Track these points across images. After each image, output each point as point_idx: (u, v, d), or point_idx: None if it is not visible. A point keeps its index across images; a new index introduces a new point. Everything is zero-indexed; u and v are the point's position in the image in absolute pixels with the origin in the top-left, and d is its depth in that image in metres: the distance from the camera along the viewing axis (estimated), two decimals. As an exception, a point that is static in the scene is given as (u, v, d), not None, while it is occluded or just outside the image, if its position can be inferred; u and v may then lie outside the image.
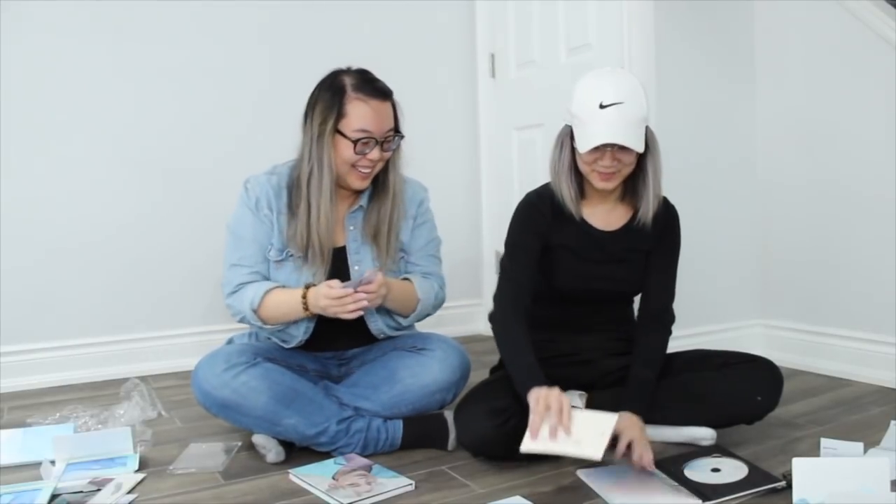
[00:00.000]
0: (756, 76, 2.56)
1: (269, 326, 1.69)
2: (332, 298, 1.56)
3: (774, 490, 1.39)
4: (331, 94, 1.66)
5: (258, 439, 1.62)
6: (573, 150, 1.61)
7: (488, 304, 3.11)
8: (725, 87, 2.52)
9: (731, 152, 2.54)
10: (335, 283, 1.58)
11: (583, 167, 1.60)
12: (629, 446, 1.42)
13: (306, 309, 1.62)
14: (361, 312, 1.60)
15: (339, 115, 1.64)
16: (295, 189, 1.70)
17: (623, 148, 1.53)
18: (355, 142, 1.64)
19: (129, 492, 1.48)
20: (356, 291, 1.56)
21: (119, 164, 2.54)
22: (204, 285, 2.66)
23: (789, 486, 1.29)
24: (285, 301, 1.65)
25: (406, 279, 1.78)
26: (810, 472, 1.26)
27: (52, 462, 1.58)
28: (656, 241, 1.69)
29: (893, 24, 2.13)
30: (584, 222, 1.67)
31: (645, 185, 1.62)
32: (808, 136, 2.41)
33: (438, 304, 1.84)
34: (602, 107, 1.51)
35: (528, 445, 1.39)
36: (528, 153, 2.91)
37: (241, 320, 1.71)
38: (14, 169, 2.40)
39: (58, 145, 2.46)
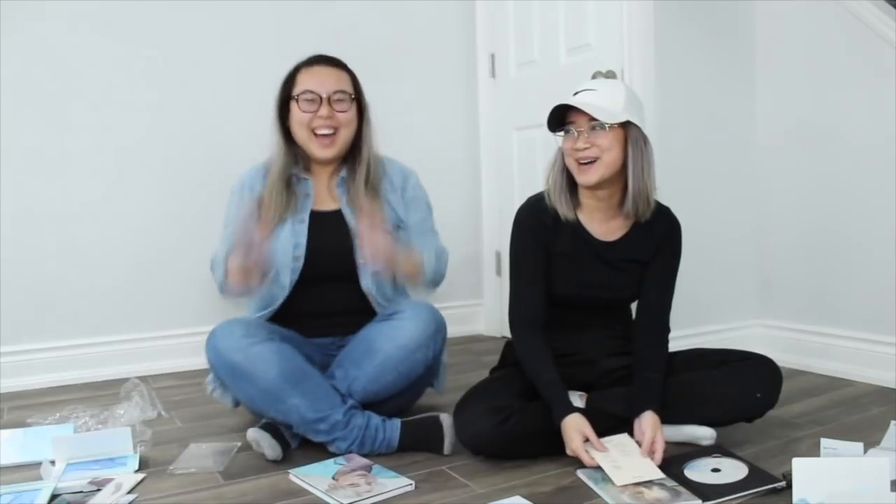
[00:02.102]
0: (756, 76, 2.56)
1: (229, 281, 1.76)
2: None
3: (774, 490, 1.39)
4: (287, 76, 1.85)
5: (252, 434, 1.62)
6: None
7: (488, 305, 3.16)
8: (725, 87, 2.52)
9: (730, 152, 2.54)
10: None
11: (567, 161, 1.62)
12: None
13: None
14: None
15: (290, 86, 1.82)
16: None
17: (594, 130, 1.55)
18: (298, 99, 1.78)
19: (129, 492, 1.48)
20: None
21: (120, 165, 2.54)
22: (204, 286, 2.65)
23: (789, 486, 1.29)
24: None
25: None
26: (810, 472, 1.26)
27: (52, 462, 1.58)
28: (655, 252, 1.69)
29: (893, 24, 2.13)
30: (582, 230, 1.68)
31: (633, 181, 1.59)
32: (808, 136, 2.41)
33: (444, 259, 1.88)
34: (575, 93, 1.59)
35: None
36: (528, 153, 2.91)
37: (221, 285, 1.81)
38: (14, 169, 2.40)
39: (59, 145, 2.46)
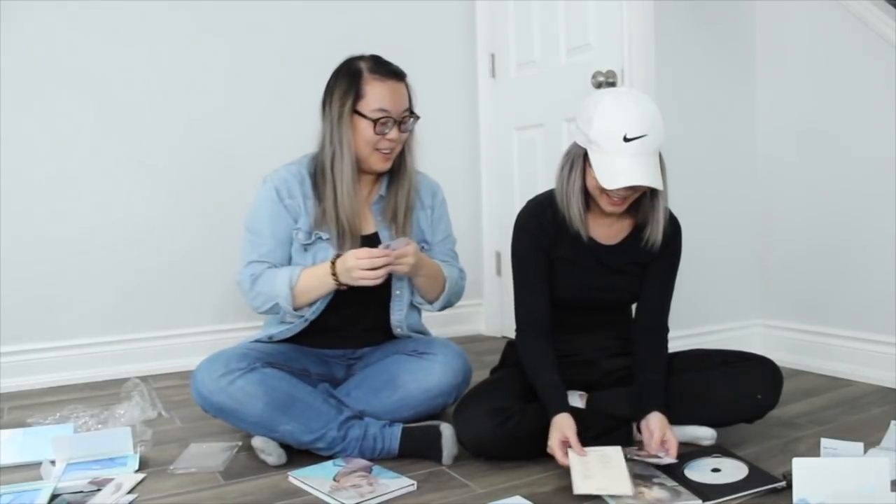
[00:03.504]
0: (756, 76, 2.56)
1: (296, 310, 1.69)
2: (362, 258, 1.58)
3: (774, 490, 1.39)
4: (348, 78, 1.71)
5: (258, 443, 1.61)
6: (584, 170, 1.58)
7: (488, 304, 3.16)
8: (726, 87, 2.52)
9: (731, 152, 2.54)
10: (364, 250, 1.60)
11: (593, 190, 1.58)
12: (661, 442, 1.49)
13: (334, 276, 1.63)
14: (383, 276, 1.60)
15: (358, 97, 1.69)
16: (319, 174, 1.73)
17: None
18: (375, 121, 1.68)
19: (129, 492, 1.48)
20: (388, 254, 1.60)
21: (120, 165, 2.54)
22: (204, 285, 2.66)
23: (789, 486, 1.29)
24: (314, 275, 1.67)
25: None
26: (810, 472, 1.26)
27: (52, 462, 1.58)
28: (657, 254, 1.68)
29: (893, 24, 2.13)
30: (585, 234, 1.66)
31: (654, 208, 1.61)
32: (809, 136, 2.41)
33: (460, 291, 1.88)
34: (626, 140, 1.47)
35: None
36: (528, 153, 2.91)
37: (269, 309, 1.71)
38: (15, 169, 2.39)
39: (60, 145, 2.46)
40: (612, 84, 2.44)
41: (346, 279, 1.63)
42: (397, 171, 1.79)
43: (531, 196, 1.75)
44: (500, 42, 3.03)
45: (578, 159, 1.58)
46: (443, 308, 1.87)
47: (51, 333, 2.46)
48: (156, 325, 2.60)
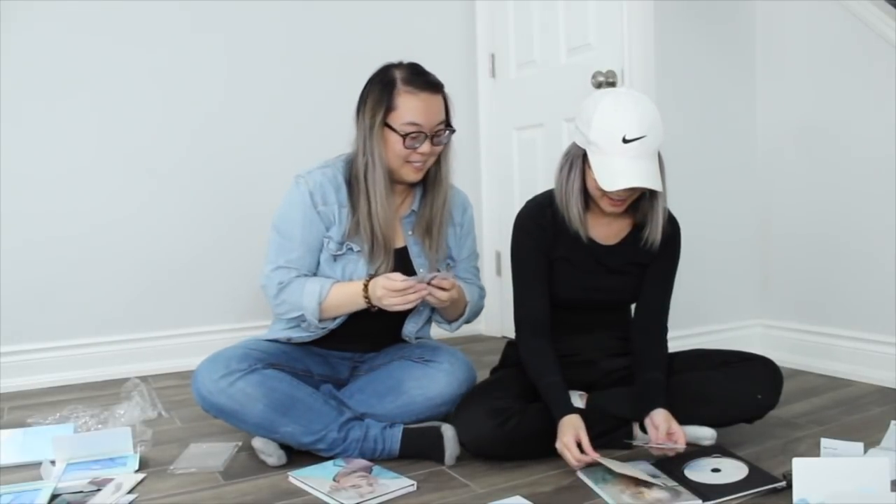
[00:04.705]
0: (756, 76, 2.56)
1: (320, 323, 1.67)
2: (391, 290, 1.55)
3: (774, 490, 1.39)
4: (381, 87, 1.65)
5: (258, 443, 1.61)
6: (583, 171, 1.58)
7: (489, 304, 3.07)
8: (726, 87, 2.52)
9: (731, 152, 2.54)
10: (396, 275, 1.58)
11: (593, 191, 1.58)
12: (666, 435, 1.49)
13: (366, 298, 1.61)
14: (415, 304, 1.58)
15: (389, 109, 1.63)
16: (354, 182, 1.68)
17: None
18: (405, 136, 1.62)
19: (129, 492, 1.48)
20: (429, 284, 1.56)
21: (121, 166, 2.54)
22: (205, 286, 2.66)
23: (789, 486, 1.30)
24: (345, 293, 1.64)
25: None
26: (810, 472, 1.26)
27: (52, 462, 1.58)
28: (656, 254, 1.68)
29: (893, 24, 2.13)
30: (585, 236, 1.66)
31: (653, 208, 1.61)
32: (809, 136, 2.41)
33: (479, 310, 1.85)
34: (626, 141, 1.47)
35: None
36: (528, 153, 2.91)
37: (293, 318, 1.68)
38: (16, 169, 2.39)
39: (61, 146, 2.46)
40: (612, 84, 2.44)
41: (377, 302, 1.60)
42: (431, 183, 1.74)
43: (531, 196, 1.75)
44: (500, 42, 3.03)
45: (578, 160, 1.58)
46: (460, 326, 1.85)
47: (51, 333, 2.46)
48: (156, 325, 2.60)
